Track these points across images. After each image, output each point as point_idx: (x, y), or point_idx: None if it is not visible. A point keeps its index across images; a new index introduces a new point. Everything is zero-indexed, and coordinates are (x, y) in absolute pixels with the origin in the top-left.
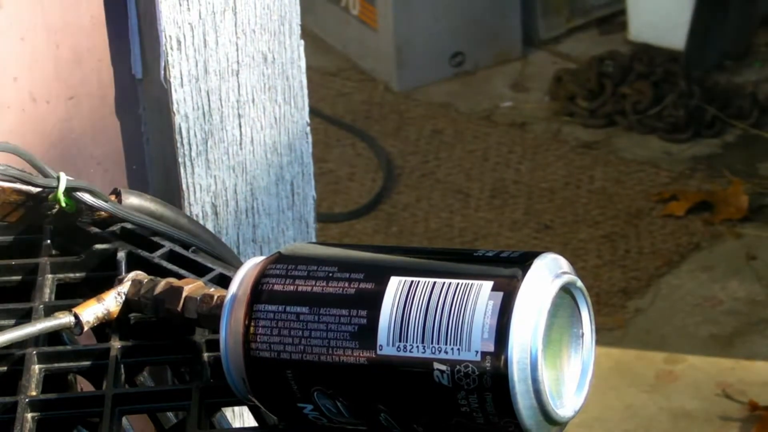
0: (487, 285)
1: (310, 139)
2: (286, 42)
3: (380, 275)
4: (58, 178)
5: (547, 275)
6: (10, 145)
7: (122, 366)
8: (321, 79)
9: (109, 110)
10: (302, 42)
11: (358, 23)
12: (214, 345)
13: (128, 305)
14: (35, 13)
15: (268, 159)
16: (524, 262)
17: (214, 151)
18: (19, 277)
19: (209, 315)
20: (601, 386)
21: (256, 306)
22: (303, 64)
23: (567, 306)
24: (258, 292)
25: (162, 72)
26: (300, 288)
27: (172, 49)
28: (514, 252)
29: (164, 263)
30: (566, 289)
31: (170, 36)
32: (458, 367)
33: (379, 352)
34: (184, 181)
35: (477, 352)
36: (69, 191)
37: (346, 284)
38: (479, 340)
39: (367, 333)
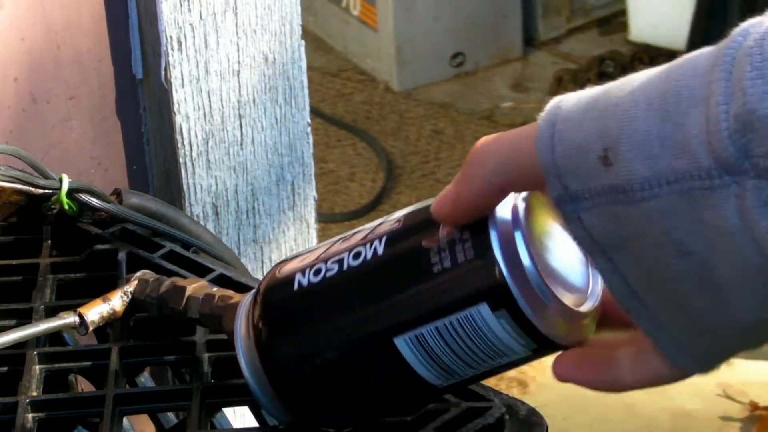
0: (484, 307)
1: (310, 140)
2: (287, 42)
3: (383, 341)
4: (61, 180)
5: (510, 233)
6: (10, 147)
7: (123, 366)
8: (321, 79)
9: (110, 111)
10: (303, 42)
11: (358, 23)
12: (214, 345)
13: (134, 305)
14: (35, 13)
15: (268, 159)
16: (481, 248)
17: (215, 151)
18: (19, 278)
19: (210, 314)
20: None
21: (273, 350)
22: (304, 64)
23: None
24: (269, 342)
25: (163, 72)
26: (322, 332)
27: (172, 49)
28: (465, 244)
29: (165, 263)
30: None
31: (171, 36)
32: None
33: (438, 387)
34: (184, 181)
35: (522, 345)
36: (71, 193)
37: (368, 347)
38: (520, 349)
39: (412, 382)
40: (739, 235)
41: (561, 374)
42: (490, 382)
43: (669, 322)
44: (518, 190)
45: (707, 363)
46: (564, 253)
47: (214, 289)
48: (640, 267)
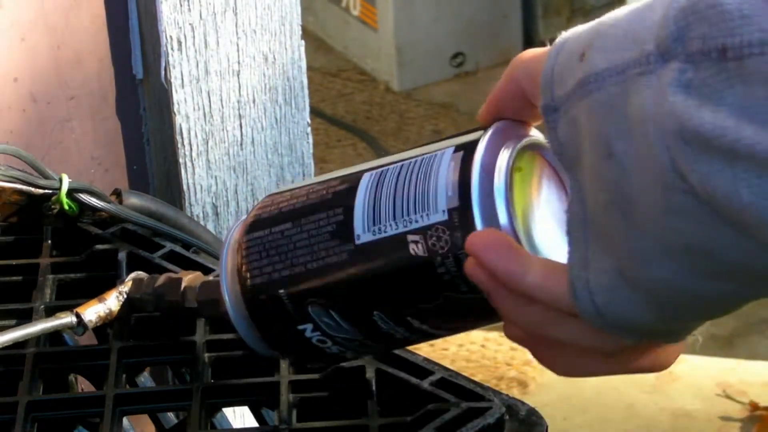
0: (449, 150)
1: (310, 140)
2: (287, 42)
3: (353, 175)
4: (61, 180)
5: (510, 132)
6: (11, 147)
7: (123, 366)
8: (322, 79)
9: (110, 111)
10: (303, 42)
11: (358, 23)
12: (214, 345)
13: (130, 304)
14: (36, 13)
15: (268, 159)
16: (487, 127)
17: (215, 151)
18: (19, 278)
19: (208, 301)
20: (601, 386)
21: (245, 238)
22: (303, 64)
23: (546, 174)
24: (248, 226)
25: (163, 72)
26: (283, 208)
27: (172, 49)
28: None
29: (165, 263)
30: (538, 152)
31: (171, 36)
32: (429, 232)
33: (357, 242)
34: (184, 181)
35: (444, 211)
36: (71, 193)
37: (324, 191)
38: (444, 199)
39: (345, 226)
40: (648, 119)
41: (473, 243)
42: (490, 382)
43: (593, 261)
44: (528, 96)
45: (603, 318)
46: (548, 223)
47: (210, 277)
48: (591, 186)
